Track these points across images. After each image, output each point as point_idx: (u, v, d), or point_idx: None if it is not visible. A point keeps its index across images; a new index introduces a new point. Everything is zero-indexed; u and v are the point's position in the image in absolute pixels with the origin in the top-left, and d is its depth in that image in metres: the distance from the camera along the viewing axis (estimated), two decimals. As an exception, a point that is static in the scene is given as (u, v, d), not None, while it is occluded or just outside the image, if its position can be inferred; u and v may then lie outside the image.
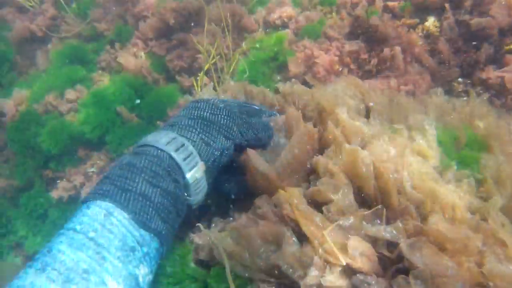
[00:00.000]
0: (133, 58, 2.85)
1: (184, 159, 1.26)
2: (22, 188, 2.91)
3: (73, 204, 2.86)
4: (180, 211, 1.26)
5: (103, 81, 3.00)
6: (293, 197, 1.29)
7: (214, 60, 2.52)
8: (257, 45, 2.66)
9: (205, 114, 1.38)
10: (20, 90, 3.00)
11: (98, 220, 1.08)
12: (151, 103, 2.64)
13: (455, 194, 1.32)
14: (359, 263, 1.13)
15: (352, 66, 2.48)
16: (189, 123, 1.35)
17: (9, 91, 3.03)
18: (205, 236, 1.39)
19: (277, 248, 1.26)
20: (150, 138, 1.30)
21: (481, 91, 2.36)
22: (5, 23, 3.36)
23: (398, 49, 2.34)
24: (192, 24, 2.86)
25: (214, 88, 2.33)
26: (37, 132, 2.75)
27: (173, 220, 1.23)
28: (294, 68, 2.37)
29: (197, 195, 1.33)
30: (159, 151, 1.25)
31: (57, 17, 3.24)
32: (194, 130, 1.33)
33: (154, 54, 2.94)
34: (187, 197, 1.31)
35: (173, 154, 1.25)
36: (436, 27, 2.55)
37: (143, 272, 1.11)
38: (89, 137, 2.63)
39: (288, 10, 2.75)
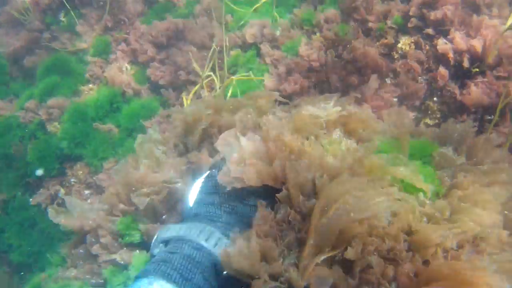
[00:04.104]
0: (118, 71, 2.93)
1: None
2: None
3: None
4: None
5: (92, 93, 3.09)
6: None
7: (208, 79, 2.58)
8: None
9: (240, 207, 1.60)
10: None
11: None
12: (129, 115, 2.70)
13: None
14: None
15: (325, 85, 2.56)
16: (228, 220, 1.57)
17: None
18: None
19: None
20: (200, 236, 1.47)
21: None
22: None
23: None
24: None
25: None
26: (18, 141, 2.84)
27: None
28: (269, 85, 2.49)
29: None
30: (211, 252, 1.45)
31: (43, 30, 3.32)
32: (228, 228, 1.54)
33: (138, 65, 3.04)
34: None
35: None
36: (408, 45, 2.61)
37: None
38: (67, 152, 2.71)
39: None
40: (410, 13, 2.60)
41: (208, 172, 1.73)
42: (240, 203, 1.60)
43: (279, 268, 1.37)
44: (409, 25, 2.58)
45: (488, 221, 1.55)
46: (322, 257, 1.38)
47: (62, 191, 3.01)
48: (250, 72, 2.60)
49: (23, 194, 2.99)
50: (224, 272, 1.47)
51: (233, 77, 2.49)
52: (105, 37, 3.16)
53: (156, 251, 1.57)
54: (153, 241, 1.62)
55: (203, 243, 1.45)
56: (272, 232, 1.47)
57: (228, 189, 1.56)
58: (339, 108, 1.95)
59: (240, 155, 1.62)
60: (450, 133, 1.97)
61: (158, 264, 1.38)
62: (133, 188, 1.86)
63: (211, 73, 2.38)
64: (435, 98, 2.55)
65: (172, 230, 1.55)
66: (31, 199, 2.91)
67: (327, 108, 1.93)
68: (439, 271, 1.39)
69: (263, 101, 1.98)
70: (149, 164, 1.92)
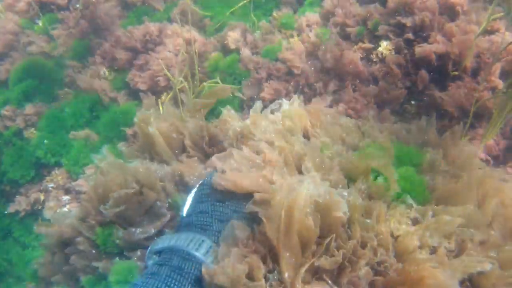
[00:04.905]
0: (93, 79, 2.89)
1: None
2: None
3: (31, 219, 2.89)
4: None
5: (68, 97, 3.04)
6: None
7: (182, 84, 2.56)
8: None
9: (230, 213, 1.59)
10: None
11: None
12: (108, 122, 2.67)
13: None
14: None
15: (306, 90, 2.57)
16: (220, 228, 1.54)
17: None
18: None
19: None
20: (190, 245, 1.47)
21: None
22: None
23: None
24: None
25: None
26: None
27: None
28: (247, 92, 2.48)
29: None
30: (201, 261, 1.44)
31: (18, 32, 3.25)
32: (219, 236, 1.52)
33: (117, 70, 3.00)
34: None
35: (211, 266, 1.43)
36: (389, 50, 2.63)
37: None
38: (44, 161, 2.68)
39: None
40: (382, 22, 2.62)
41: (200, 182, 1.75)
42: (232, 210, 1.61)
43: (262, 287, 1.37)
44: (380, 32, 2.61)
45: (461, 213, 1.61)
46: (303, 270, 1.38)
47: (42, 197, 2.95)
48: (218, 79, 2.59)
49: (-1, 203, 2.94)
50: None
51: (204, 83, 2.47)
52: (83, 41, 3.11)
53: (150, 262, 1.57)
54: (147, 252, 1.62)
55: (193, 252, 1.45)
56: (260, 250, 1.46)
57: (219, 196, 1.59)
58: (297, 101, 2.03)
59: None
60: (415, 133, 2.08)
61: (147, 277, 1.40)
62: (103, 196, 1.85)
63: (181, 79, 2.36)
64: (413, 102, 2.56)
65: (164, 241, 1.56)
66: (7, 209, 2.84)
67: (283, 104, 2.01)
68: (396, 276, 1.44)
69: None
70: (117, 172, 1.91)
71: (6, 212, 2.83)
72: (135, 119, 2.06)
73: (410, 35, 2.52)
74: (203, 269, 1.39)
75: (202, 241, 1.49)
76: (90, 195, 1.90)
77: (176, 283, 1.37)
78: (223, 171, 1.63)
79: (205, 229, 1.55)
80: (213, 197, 1.62)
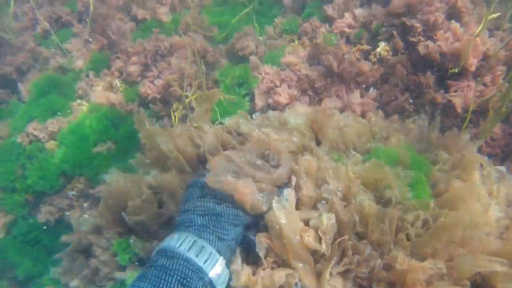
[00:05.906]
0: (106, 92, 2.99)
1: (205, 261, 1.48)
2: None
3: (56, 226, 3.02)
4: None
5: (82, 109, 3.15)
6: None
7: (192, 97, 2.65)
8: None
9: (212, 206, 1.61)
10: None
11: None
12: (125, 134, 2.79)
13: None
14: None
15: (310, 92, 2.65)
16: (202, 222, 1.58)
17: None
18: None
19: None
20: (173, 243, 1.51)
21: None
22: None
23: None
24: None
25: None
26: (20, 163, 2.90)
27: None
28: (259, 101, 2.59)
29: (223, 284, 1.53)
30: (185, 256, 1.47)
31: (35, 49, 3.38)
32: (208, 230, 1.56)
33: (129, 82, 3.11)
34: None
35: (195, 260, 1.47)
36: (387, 51, 2.68)
37: None
38: (69, 174, 2.86)
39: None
40: (385, 24, 2.67)
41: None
42: (212, 203, 1.63)
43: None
44: (381, 34, 2.67)
45: (466, 217, 1.65)
46: (326, 278, 1.50)
47: (66, 205, 3.07)
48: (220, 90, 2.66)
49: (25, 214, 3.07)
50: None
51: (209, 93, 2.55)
52: (100, 55, 3.22)
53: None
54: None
55: (176, 249, 1.49)
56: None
57: (198, 192, 1.65)
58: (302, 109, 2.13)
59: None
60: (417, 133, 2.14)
61: (135, 281, 1.44)
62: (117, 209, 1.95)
63: (187, 94, 2.46)
64: (411, 100, 2.60)
65: (168, 242, 1.57)
66: (36, 219, 2.98)
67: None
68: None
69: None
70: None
71: (40, 224, 2.96)
72: (141, 136, 2.11)
73: (420, 38, 2.53)
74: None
75: (186, 237, 1.53)
76: (102, 211, 2.00)
77: (163, 282, 1.39)
78: (214, 176, 1.66)
79: (189, 226, 1.58)
80: (194, 194, 1.67)
